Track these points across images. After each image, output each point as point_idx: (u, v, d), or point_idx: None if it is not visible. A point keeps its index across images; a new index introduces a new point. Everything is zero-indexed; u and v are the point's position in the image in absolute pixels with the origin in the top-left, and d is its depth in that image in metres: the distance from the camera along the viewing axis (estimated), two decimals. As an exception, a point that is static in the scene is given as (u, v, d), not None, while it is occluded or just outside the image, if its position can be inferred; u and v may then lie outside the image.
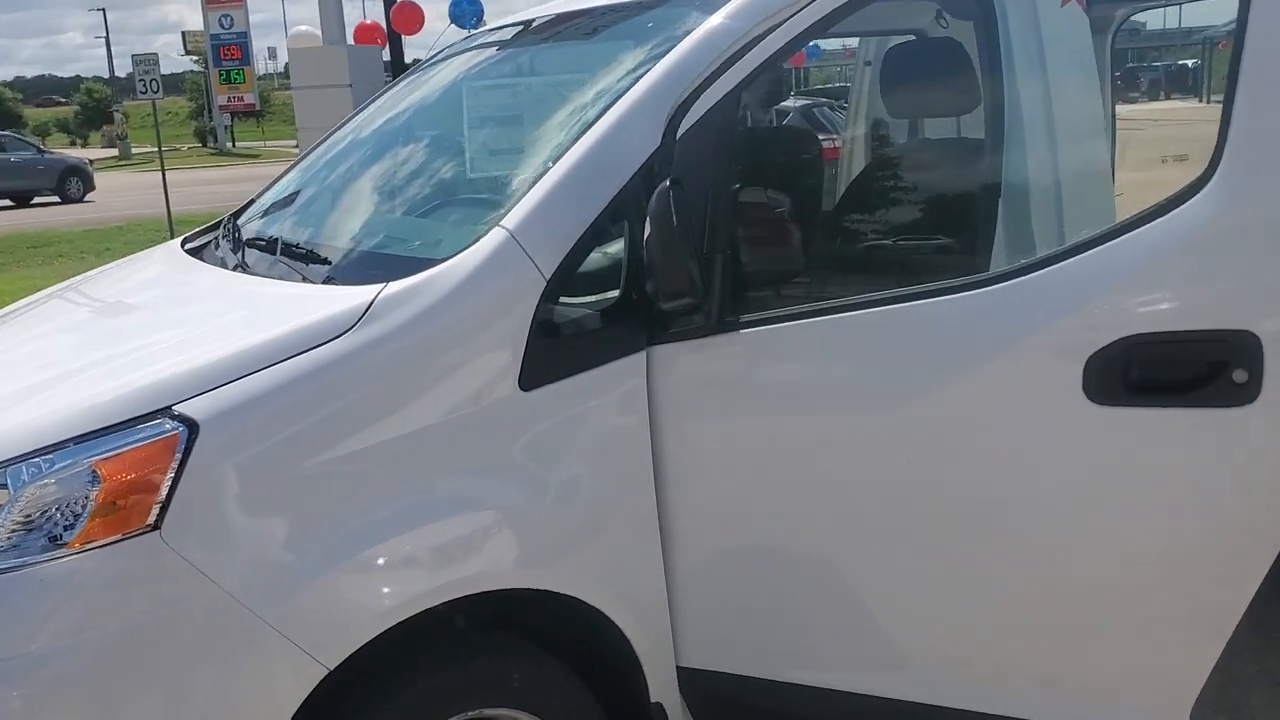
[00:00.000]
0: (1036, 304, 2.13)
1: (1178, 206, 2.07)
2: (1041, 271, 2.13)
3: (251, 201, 3.31)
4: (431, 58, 3.62)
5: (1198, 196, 2.06)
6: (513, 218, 2.18)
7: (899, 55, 3.09)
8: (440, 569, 2.08)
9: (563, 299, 2.18)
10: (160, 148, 20.23)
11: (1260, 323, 2.03)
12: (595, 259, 2.24)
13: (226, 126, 52.09)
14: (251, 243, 2.81)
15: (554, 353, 2.17)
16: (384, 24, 14.59)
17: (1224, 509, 2.12)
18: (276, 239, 2.70)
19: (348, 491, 2.01)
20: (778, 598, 2.36)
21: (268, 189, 3.36)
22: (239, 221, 3.11)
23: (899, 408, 2.21)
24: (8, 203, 25.70)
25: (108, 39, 49.14)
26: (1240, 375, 2.03)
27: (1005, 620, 2.27)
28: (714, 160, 2.21)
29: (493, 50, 3.28)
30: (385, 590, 2.03)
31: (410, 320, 2.08)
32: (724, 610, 2.37)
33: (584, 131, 2.26)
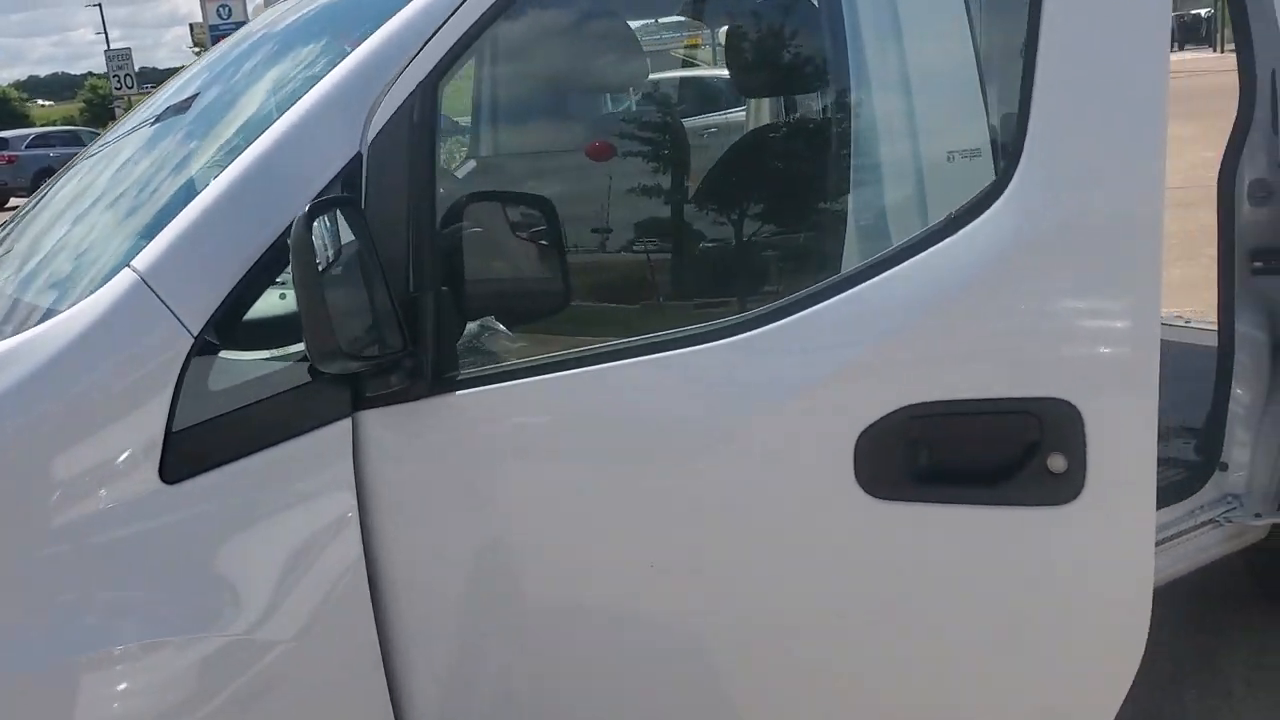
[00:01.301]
0: (786, 359, 1.59)
1: (964, 225, 1.49)
2: (794, 316, 1.58)
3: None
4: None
5: (990, 211, 1.48)
6: (145, 256, 1.65)
7: (742, 20, 2.51)
8: None
9: (225, 354, 1.65)
10: (137, 144, 19.81)
11: (1079, 390, 1.47)
12: (276, 303, 1.71)
13: (229, 118, 51.57)
14: None
15: (212, 431, 1.64)
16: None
17: (1042, 644, 1.60)
18: None
19: None
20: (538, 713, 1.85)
21: (26, 207, 2.82)
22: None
23: (641, 490, 1.69)
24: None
25: (105, 34, 48.66)
26: (1057, 462, 1.49)
27: None
28: (409, 170, 1.67)
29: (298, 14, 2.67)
30: None
31: None
32: None
33: (254, 138, 1.73)
